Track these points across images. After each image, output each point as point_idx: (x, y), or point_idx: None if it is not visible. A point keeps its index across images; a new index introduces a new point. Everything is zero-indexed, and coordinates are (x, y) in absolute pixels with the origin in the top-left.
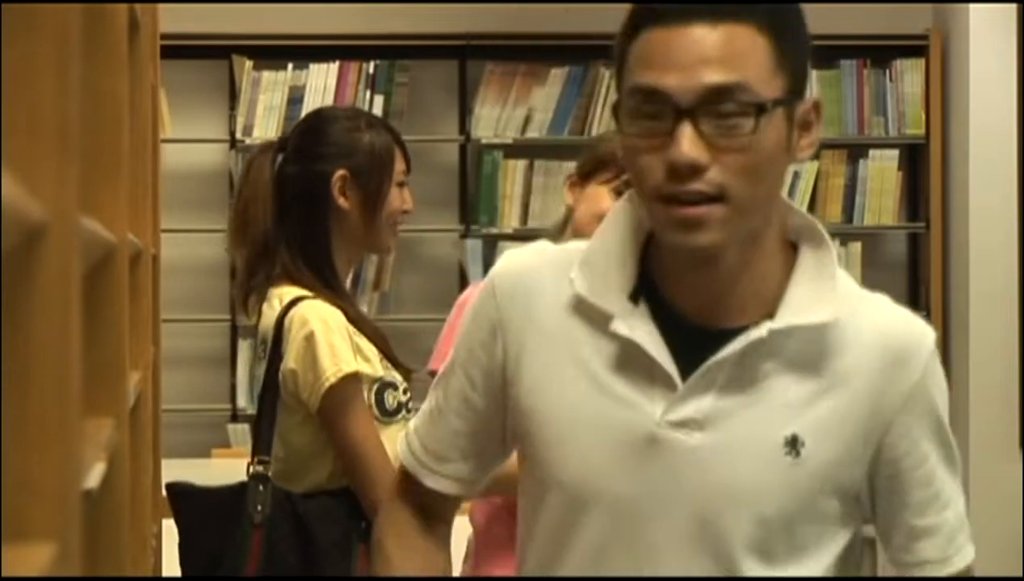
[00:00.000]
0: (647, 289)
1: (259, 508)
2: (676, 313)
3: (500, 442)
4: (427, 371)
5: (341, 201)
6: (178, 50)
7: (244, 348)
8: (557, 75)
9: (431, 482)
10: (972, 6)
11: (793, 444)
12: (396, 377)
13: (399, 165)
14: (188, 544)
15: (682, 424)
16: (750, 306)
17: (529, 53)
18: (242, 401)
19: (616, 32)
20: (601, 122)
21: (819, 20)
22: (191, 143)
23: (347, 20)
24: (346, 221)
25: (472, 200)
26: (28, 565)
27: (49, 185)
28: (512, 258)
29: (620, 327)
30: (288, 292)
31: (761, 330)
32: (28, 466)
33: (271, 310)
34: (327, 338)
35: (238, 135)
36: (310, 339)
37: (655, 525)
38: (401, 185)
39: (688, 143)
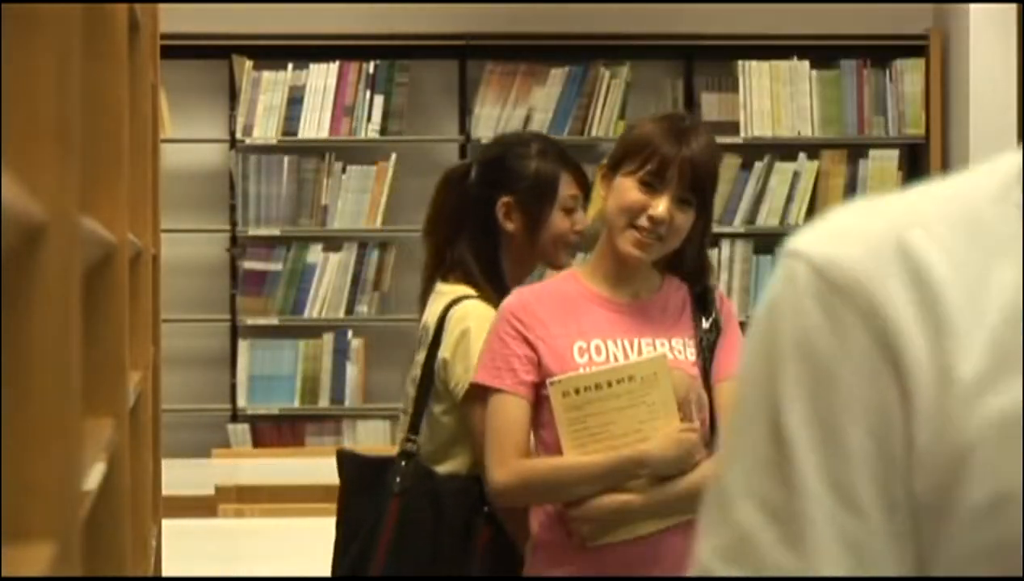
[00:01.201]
0: None
1: (399, 480)
2: None
3: None
4: (469, 384)
5: (507, 224)
6: (178, 50)
7: (244, 348)
8: (557, 75)
9: None
10: (972, 6)
11: None
12: None
13: (567, 190)
14: (344, 508)
15: None
16: None
17: (529, 53)
18: (242, 401)
19: (615, 32)
20: (601, 122)
21: (819, 20)
22: (191, 143)
23: (347, 20)
24: (512, 242)
25: None
26: (28, 565)
27: (49, 185)
28: (838, 236)
29: None
30: (456, 290)
31: None
32: (28, 466)
33: (435, 305)
34: (482, 335)
35: (238, 135)
36: (466, 334)
37: None
38: (571, 210)
39: None
